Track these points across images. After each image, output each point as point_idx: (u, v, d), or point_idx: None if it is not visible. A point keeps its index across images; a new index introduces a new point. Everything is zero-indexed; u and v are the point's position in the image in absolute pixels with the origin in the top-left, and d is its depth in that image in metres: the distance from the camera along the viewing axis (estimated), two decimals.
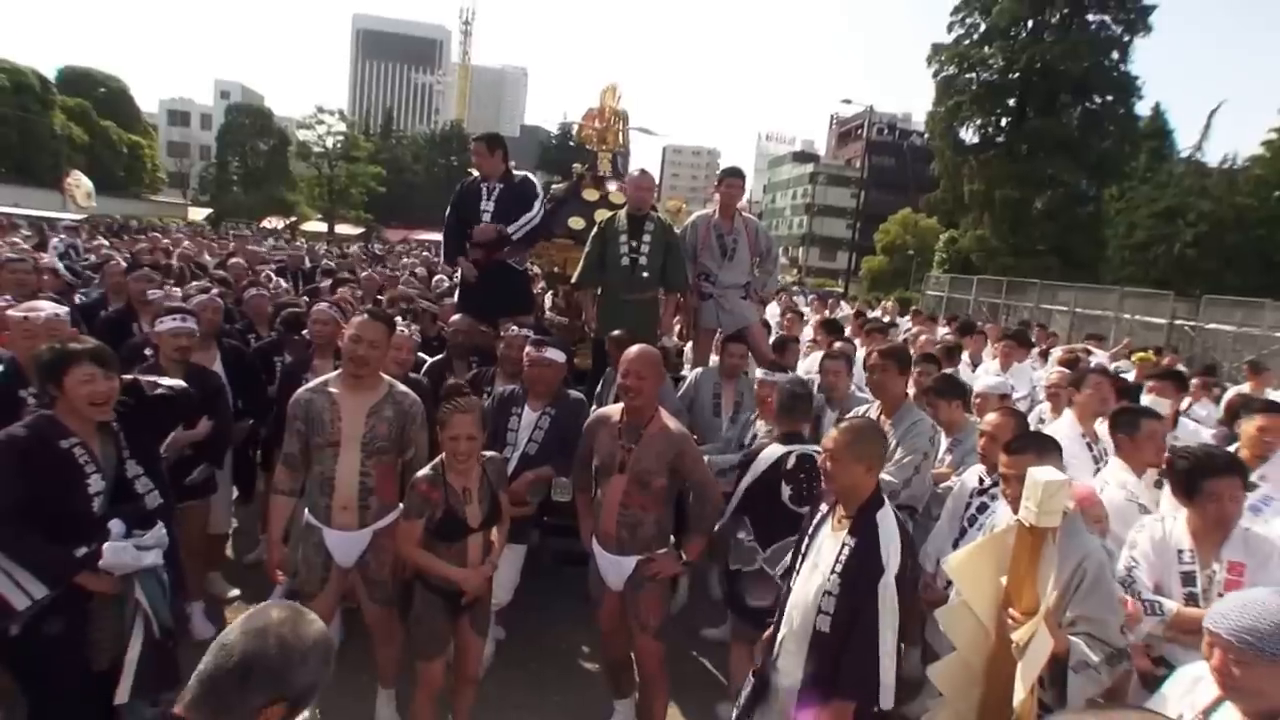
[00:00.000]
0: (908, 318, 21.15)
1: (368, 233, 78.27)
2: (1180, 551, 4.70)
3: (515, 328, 7.60)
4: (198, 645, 6.67)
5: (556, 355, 6.88)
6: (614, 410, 5.71)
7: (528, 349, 6.93)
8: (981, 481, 5.97)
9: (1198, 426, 8.75)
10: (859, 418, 5.73)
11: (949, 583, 4.94)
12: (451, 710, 5.78)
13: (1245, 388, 11.88)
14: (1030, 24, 50.75)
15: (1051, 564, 3.87)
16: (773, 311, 15.75)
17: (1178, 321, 29.22)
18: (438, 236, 13.29)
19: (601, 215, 9.22)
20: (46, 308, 6.47)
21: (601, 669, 6.31)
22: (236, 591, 7.71)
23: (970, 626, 4.31)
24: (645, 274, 8.70)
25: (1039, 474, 3.79)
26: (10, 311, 6.39)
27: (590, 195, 10.42)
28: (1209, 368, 16.15)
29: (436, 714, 5.59)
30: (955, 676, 4.42)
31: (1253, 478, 5.88)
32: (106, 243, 21.88)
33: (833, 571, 4.46)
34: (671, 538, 5.72)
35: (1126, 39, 49.41)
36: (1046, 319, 29.73)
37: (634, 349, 5.56)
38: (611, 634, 5.89)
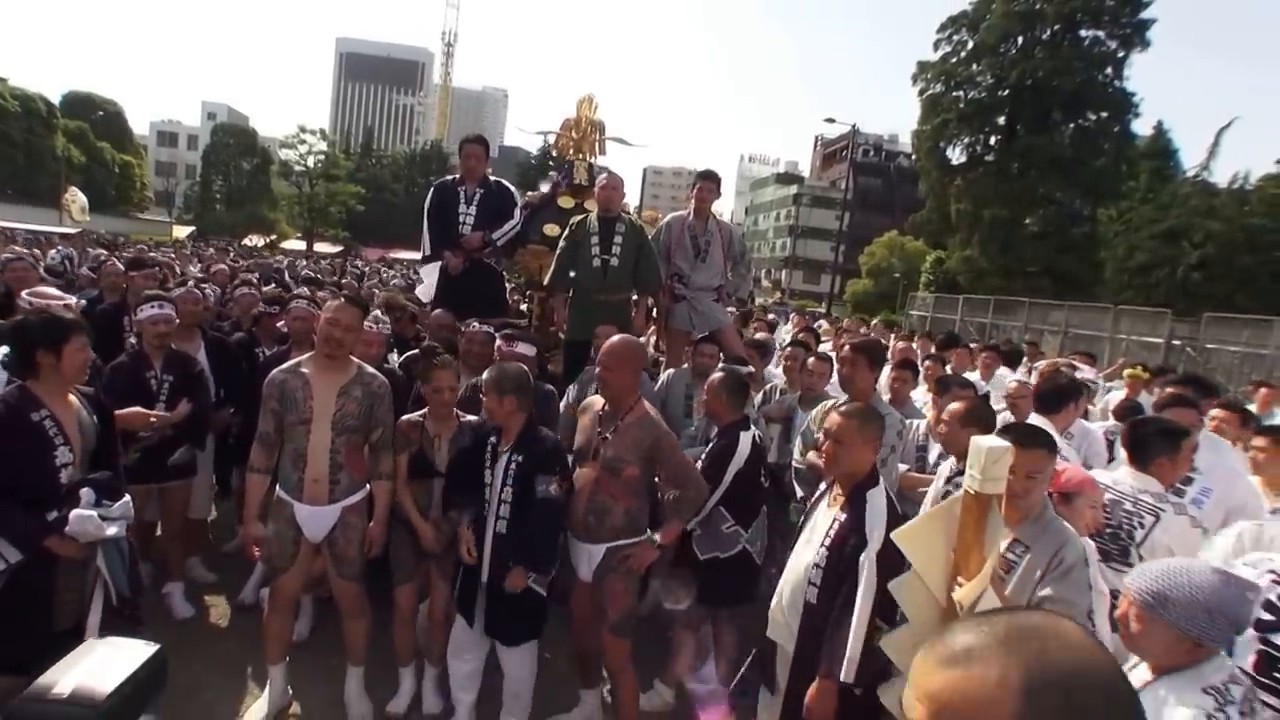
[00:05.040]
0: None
1: (345, 251, 78.28)
2: None
3: (476, 324, 7.78)
4: (178, 624, 6.96)
5: (527, 349, 7.24)
6: (599, 399, 5.87)
7: (499, 344, 7.26)
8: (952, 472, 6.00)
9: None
10: (854, 403, 5.75)
11: None
12: (426, 654, 6.31)
13: (1252, 408, 11.72)
14: (1020, 40, 50.35)
15: (998, 531, 3.94)
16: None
17: (1176, 341, 28.72)
18: (416, 256, 13.46)
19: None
20: (66, 296, 6.99)
21: (574, 658, 6.34)
22: (214, 577, 7.92)
23: (922, 597, 4.34)
24: (616, 275, 8.92)
25: (982, 441, 3.86)
26: (38, 298, 6.72)
27: (565, 203, 10.66)
28: (1183, 396, 15.85)
29: (413, 638, 6.20)
30: (908, 648, 4.41)
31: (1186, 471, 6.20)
32: (104, 253, 22.26)
33: (822, 545, 4.75)
34: (649, 530, 5.71)
35: (1122, 54, 48.88)
36: (1038, 340, 28.63)
37: (611, 340, 5.77)
38: (582, 623, 5.94)
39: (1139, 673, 3.24)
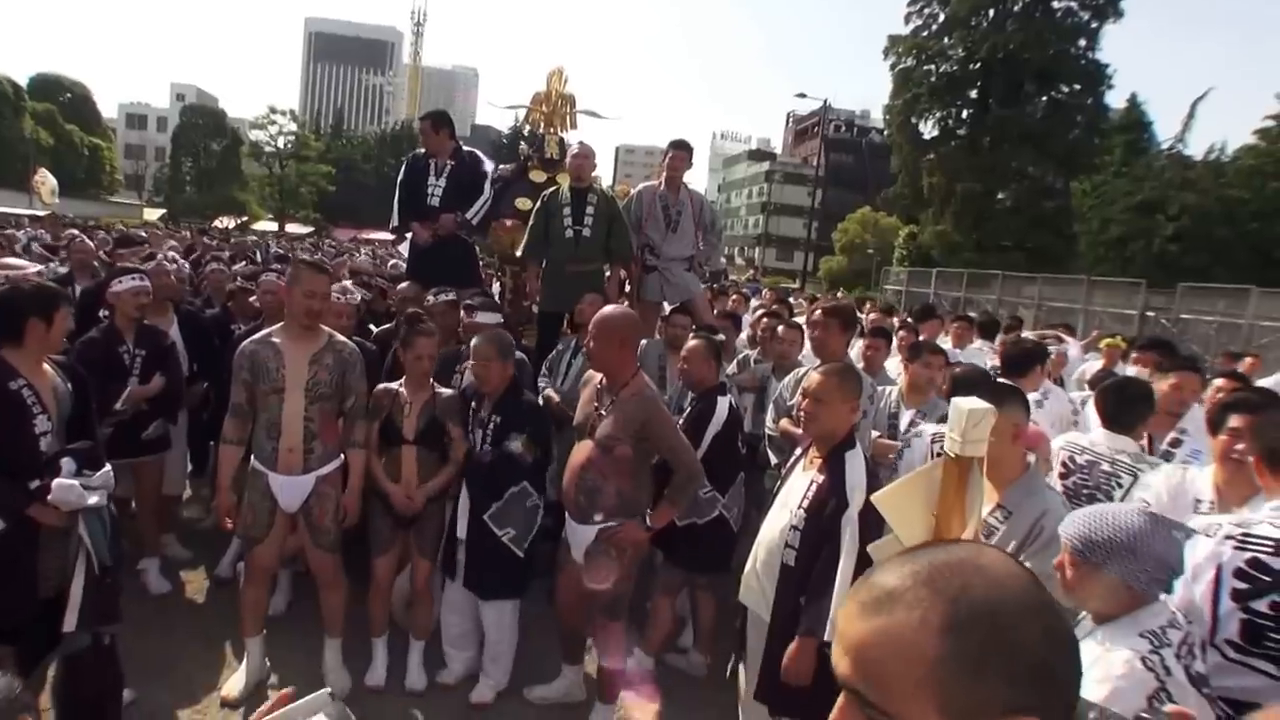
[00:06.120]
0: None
1: (317, 232, 78.00)
2: (1198, 501, 4.70)
3: (431, 297, 7.82)
4: (154, 599, 6.96)
5: (489, 318, 7.23)
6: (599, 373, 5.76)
7: (462, 315, 7.40)
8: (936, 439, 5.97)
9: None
10: (834, 362, 5.66)
11: None
12: (410, 625, 6.33)
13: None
14: (991, 12, 50.02)
15: (979, 493, 3.77)
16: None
17: (1150, 312, 28.69)
18: (387, 236, 13.49)
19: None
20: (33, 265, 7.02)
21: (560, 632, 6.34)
22: (190, 553, 7.93)
23: None
24: (589, 246, 8.94)
25: (963, 403, 3.71)
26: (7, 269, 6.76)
27: (537, 177, 10.64)
28: (1188, 359, 15.82)
29: (386, 610, 6.29)
30: None
31: (1173, 433, 6.26)
32: (76, 232, 22.32)
33: (800, 507, 4.75)
34: (649, 511, 5.59)
35: (1095, 25, 48.65)
36: (1011, 312, 28.70)
37: (601, 311, 5.68)
38: (567, 602, 5.95)
39: (1085, 624, 3.28)
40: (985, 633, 1.18)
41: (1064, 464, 5.73)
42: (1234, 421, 4.52)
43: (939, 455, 4.16)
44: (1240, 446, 4.42)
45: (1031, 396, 7.24)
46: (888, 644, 1.21)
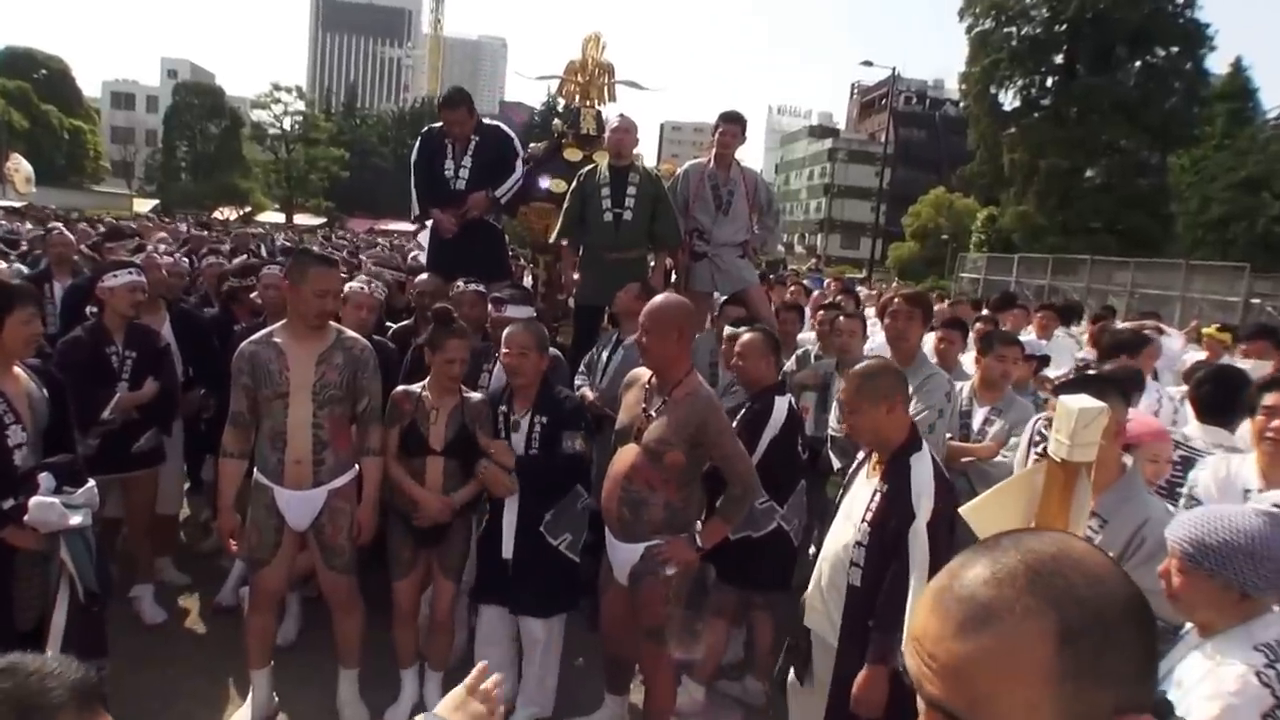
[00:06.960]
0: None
1: (329, 222, 77.92)
2: (1247, 490, 4.70)
3: (461, 284, 7.72)
4: (149, 630, 6.94)
5: (518, 311, 7.13)
6: (645, 371, 5.63)
7: (490, 309, 7.34)
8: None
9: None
10: (866, 361, 5.48)
11: None
12: (426, 657, 6.24)
13: None
14: None
15: (1086, 502, 3.67)
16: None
17: (1255, 299, 28.40)
18: (408, 226, 13.40)
19: None
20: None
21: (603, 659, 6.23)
22: (188, 578, 7.90)
23: None
24: (630, 231, 8.81)
25: (1071, 401, 3.55)
26: None
27: (572, 155, 10.49)
28: None
29: (414, 638, 6.18)
30: None
31: None
32: (59, 225, 22.54)
33: (863, 520, 4.64)
34: (699, 523, 5.53)
35: None
36: (1101, 301, 28.26)
37: (654, 299, 5.55)
38: (612, 629, 5.85)
39: (1189, 637, 3.29)
40: (1099, 637, 1.20)
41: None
42: (1268, 400, 4.57)
43: (1039, 445, 4.08)
44: (1276, 424, 4.55)
45: (1147, 401, 7.26)
46: (995, 665, 1.21)
